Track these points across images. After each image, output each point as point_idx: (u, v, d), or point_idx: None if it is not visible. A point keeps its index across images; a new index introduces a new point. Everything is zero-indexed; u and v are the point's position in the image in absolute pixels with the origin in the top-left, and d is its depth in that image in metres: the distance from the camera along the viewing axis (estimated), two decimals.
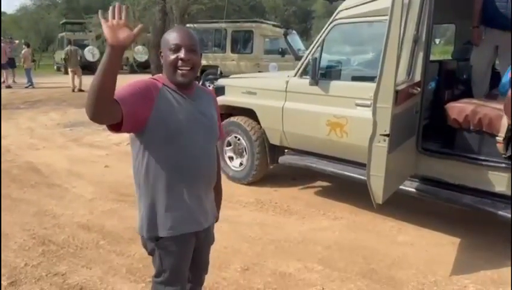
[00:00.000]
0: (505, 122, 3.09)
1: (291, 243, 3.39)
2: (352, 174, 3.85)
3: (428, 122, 3.75)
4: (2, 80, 14.70)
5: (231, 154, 4.87)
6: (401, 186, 3.44)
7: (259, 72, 9.74)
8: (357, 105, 3.67)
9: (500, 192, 3.14)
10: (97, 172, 5.22)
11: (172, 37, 1.60)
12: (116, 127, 1.48)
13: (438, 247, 3.34)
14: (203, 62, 12.27)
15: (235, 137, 4.75)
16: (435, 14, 3.26)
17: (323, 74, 3.96)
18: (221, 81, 5.25)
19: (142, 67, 17.66)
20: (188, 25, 12.74)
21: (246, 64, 11.78)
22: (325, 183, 4.85)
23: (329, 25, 3.94)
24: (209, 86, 9.60)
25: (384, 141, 2.78)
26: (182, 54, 1.58)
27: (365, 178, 2.98)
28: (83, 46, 20.24)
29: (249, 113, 4.62)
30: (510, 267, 3.00)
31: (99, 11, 1.36)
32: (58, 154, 6.07)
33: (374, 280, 2.88)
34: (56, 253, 3.18)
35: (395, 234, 3.59)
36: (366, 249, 3.29)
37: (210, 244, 1.93)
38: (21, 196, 4.37)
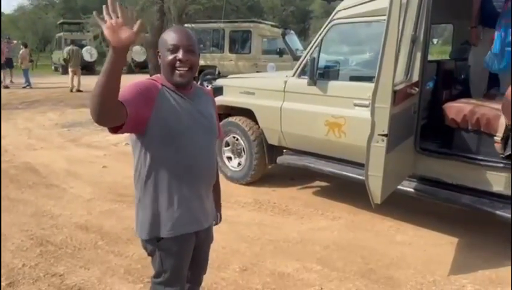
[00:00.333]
0: (503, 122, 3.10)
1: (289, 243, 3.39)
2: (350, 174, 3.85)
3: (427, 122, 3.76)
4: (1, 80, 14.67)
5: (229, 154, 4.87)
6: (399, 186, 3.44)
7: (257, 72, 9.75)
8: (355, 105, 3.67)
9: (498, 192, 3.15)
10: (95, 172, 5.21)
11: (170, 37, 1.59)
12: (116, 128, 1.47)
13: (436, 247, 3.34)
14: (201, 62, 12.27)
15: (234, 137, 4.75)
16: (433, 14, 3.26)
17: (321, 74, 3.96)
18: (219, 81, 5.25)
19: (140, 67, 17.66)
20: (186, 25, 12.74)
21: (244, 64, 11.78)
22: (323, 183, 4.85)
23: (327, 25, 3.94)
24: (207, 86, 9.60)
25: (383, 141, 2.78)
26: (180, 55, 1.58)
27: (363, 178, 2.98)
28: (80, 46, 20.24)
29: (247, 113, 4.62)
30: (508, 267, 3.01)
31: (95, 12, 1.35)
32: (56, 155, 6.05)
33: (372, 279, 2.88)
34: (54, 254, 3.17)
35: (393, 233, 3.59)
36: (365, 249, 3.29)
37: (209, 243, 1.93)
38: (19, 197, 4.36)
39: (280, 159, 4.51)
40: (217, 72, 11.28)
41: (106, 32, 1.27)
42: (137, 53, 19.67)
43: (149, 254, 1.76)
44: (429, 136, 3.65)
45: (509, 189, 3.09)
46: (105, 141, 6.78)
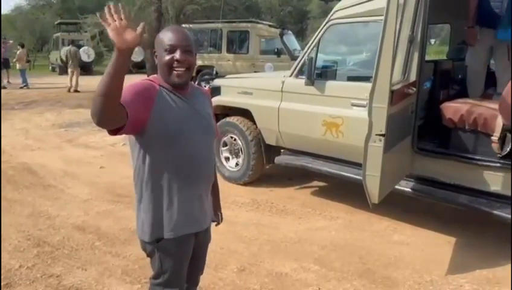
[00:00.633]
0: (500, 121, 3.10)
1: (287, 243, 3.39)
2: (348, 174, 3.85)
3: (424, 122, 3.76)
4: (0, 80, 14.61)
5: (227, 154, 4.86)
6: (396, 186, 3.44)
7: (255, 72, 9.73)
8: (353, 105, 3.67)
9: (495, 191, 3.15)
10: (92, 173, 5.19)
11: (167, 37, 1.58)
12: (115, 130, 1.46)
13: (433, 246, 3.34)
14: (199, 62, 12.37)
15: (231, 137, 4.75)
16: (430, 14, 3.27)
17: (319, 74, 3.96)
18: (217, 82, 5.24)
19: (138, 67, 17.60)
20: (183, 25, 12.73)
21: (241, 64, 11.77)
22: (321, 183, 4.85)
23: (325, 25, 3.94)
24: (205, 86, 9.58)
25: (380, 140, 2.78)
26: (177, 55, 1.57)
27: (361, 178, 2.98)
28: (78, 47, 20.19)
29: (245, 113, 4.61)
30: (506, 267, 3.01)
31: (98, 13, 1.34)
32: (53, 155, 6.04)
33: (370, 279, 2.88)
34: (51, 254, 3.16)
35: (391, 233, 3.59)
36: (362, 249, 3.29)
37: (207, 244, 1.93)
38: (16, 197, 4.34)
39: (278, 159, 4.51)
40: (214, 72, 11.26)
41: (111, 34, 1.27)
42: (135, 53, 19.54)
43: (148, 255, 1.75)
44: (426, 136, 3.66)
45: (506, 188, 3.09)
46: (102, 141, 6.77)
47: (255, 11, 32.93)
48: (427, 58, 4.09)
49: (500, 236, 3.33)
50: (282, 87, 4.24)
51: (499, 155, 3.14)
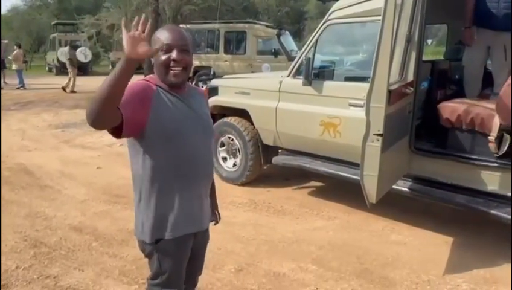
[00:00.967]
0: (497, 121, 3.11)
1: (285, 244, 3.39)
2: (345, 174, 3.85)
3: (421, 122, 3.77)
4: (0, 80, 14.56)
5: (225, 155, 4.86)
6: (394, 186, 3.44)
7: (252, 72, 9.74)
8: (350, 105, 3.67)
9: (492, 191, 3.16)
10: (89, 173, 5.18)
11: (163, 36, 1.57)
12: (117, 133, 1.47)
13: (431, 246, 3.35)
14: (196, 63, 12.35)
15: (229, 138, 4.74)
16: (428, 15, 3.27)
17: (316, 74, 3.96)
18: (214, 82, 5.24)
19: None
20: (180, 26, 12.71)
21: (239, 64, 11.77)
22: (318, 184, 4.85)
23: (322, 25, 3.94)
24: (202, 86, 9.58)
25: (378, 140, 2.78)
26: (174, 55, 1.56)
27: (358, 178, 2.98)
28: (75, 47, 20.14)
29: (243, 113, 4.61)
30: (503, 266, 3.02)
31: (123, 20, 1.36)
32: (50, 156, 6.02)
33: (367, 279, 2.88)
34: (48, 255, 3.15)
35: (388, 233, 3.59)
36: (360, 249, 3.29)
37: (206, 244, 1.92)
38: (12, 198, 4.32)
39: (275, 160, 4.51)
40: (212, 73, 11.27)
41: (125, 41, 1.30)
42: None
43: (146, 255, 1.74)
44: (424, 136, 3.67)
45: (503, 188, 3.10)
46: (99, 142, 6.75)
47: (252, 12, 32.91)
48: (425, 58, 4.10)
49: (497, 236, 3.33)
50: (279, 88, 4.24)
51: (496, 155, 3.15)
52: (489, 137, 3.16)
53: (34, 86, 15.29)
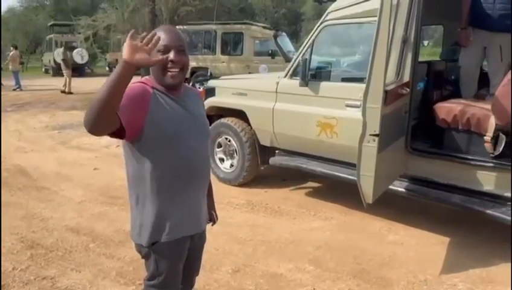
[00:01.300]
0: (492, 122, 3.13)
1: (282, 244, 3.39)
2: (342, 175, 3.86)
3: (417, 123, 3.78)
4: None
5: (222, 155, 4.86)
6: (390, 186, 3.45)
7: (249, 73, 9.75)
8: (347, 106, 3.68)
9: (488, 191, 3.18)
10: (86, 175, 5.17)
11: (160, 38, 1.57)
12: (119, 136, 1.47)
13: (427, 246, 3.36)
14: (193, 64, 12.36)
15: (226, 138, 4.75)
16: (424, 16, 3.29)
17: (313, 75, 3.97)
18: (211, 83, 5.24)
19: None
20: (177, 27, 12.72)
21: (236, 65, 11.78)
22: (315, 184, 4.86)
23: (319, 26, 3.96)
24: (199, 87, 9.58)
25: (374, 141, 2.79)
26: (171, 55, 1.55)
27: (355, 178, 2.99)
28: (71, 49, 20.09)
29: (240, 114, 4.61)
30: (499, 266, 3.04)
31: (132, 31, 1.36)
32: (46, 157, 6.01)
33: (364, 279, 2.89)
34: (45, 256, 3.14)
35: (385, 233, 3.60)
36: (357, 249, 3.30)
37: (203, 245, 1.92)
38: (9, 199, 4.31)
39: (272, 160, 4.51)
40: (209, 74, 11.28)
41: (126, 46, 1.31)
42: None
43: (143, 257, 1.74)
44: (420, 136, 3.68)
45: (499, 188, 3.12)
46: (96, 143, 6.74)
47: (249, 13, 32.95)
48: (421, 59, 4.12)
49: (493, 235, 3.35)
50: (276, 88, 4.25)
51: (492, 155, 3.17)
52: (485, 137, 3.18)
53: (30, 87, 15.26)
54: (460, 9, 3.98)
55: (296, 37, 31.04)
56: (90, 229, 3.62)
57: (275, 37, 10.99)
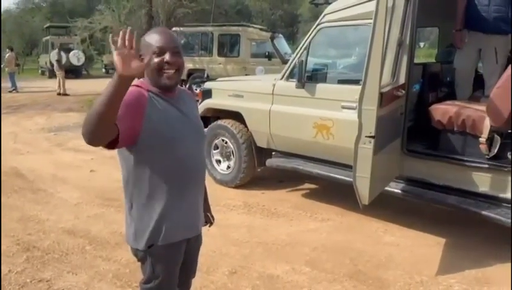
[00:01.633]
0: (487, 123, 3.15)
1: (278, 246, 3.40)
2: (338, 176, 3.87)
3: (413, 124, 3.80)
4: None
5: (218, 157, 4.86)
6: (386, 188, 3.47)
7: (246, 75, 9.76)
8: (343, 107, 3.70)
9: (483, 192, 3.19)
10: (82, 177, 5.16)
11: (154, 40, 1.56)
12: (111, 145, 1.44)
13: (423, 247, 3.37)
14: (190, 65, 12.36)
15: (222, 140, 4.75)
16: (419, 18, 3.31)
17: (309, 77, 3.99)
18: (208, 85, 5.25)
19: None
20: (174, 29, 12.73)
21: (232, 67, 11.79)
22: (312, 185, 4.87)
23: (315, 28, 3.97)
24: (196, 89, 9.59)
25: (370, 142, 2.81)
26: (167, 57, 1.55)
27: (351, 179, 3.00)
28: (67, 50, 20.08)
29: (236, 116, 4.62)
30: (494, 267, 3.05)
31: (110, 35, 1.33)
32: (42, 159, 5.99)
33: (361, 280, 2.90)
34: (41, 259, 3.14)
35: (381, 235, 3.62)
36: (353, 250, 3.31)
37: (199, 247, 1.92)
38: (5, 202, 4.29)
39: (269, 162, 4.52)
40: (205, 75, 11.28)
41: (116, 58, 1.27)
42: None
43: (139, 260, 1.73)
44: (416, 138, 3.69)
45: (494, 189, 3.14)
46: None
47: (245, 15, 33.00)
48: (416, 61, 4.14)
49: (488, 236, 3.37)
50: (273, 90, 4.26)
51: (487, 156, 3.19)
52: (480, 139, 3.20)
53: (26, 89, 15.21)
54: (455, 11, 4.01)
55: (292, 39, 31.08)
56: (86, 231, 3.61)
57: (272, 38, 11.01)
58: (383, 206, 3.77)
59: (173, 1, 12.75)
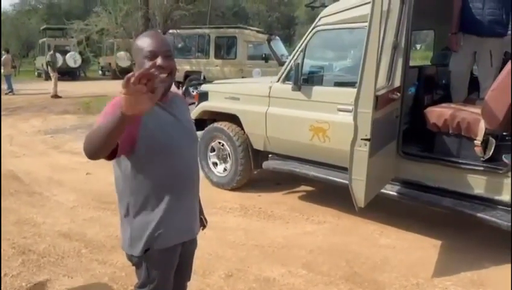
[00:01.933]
0: (482, 126, 3.17)
1: (275, 248, 3.40)
2: (334, 179, 3.87)
3: (408, 127, 3.81)
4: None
5: (215, 160, 4.86)
6: (382, 190, 3.48)
7: (242, 77, 9.78)
8: (339, 110, 3.71)
9: (478, 194, 3.21)
10: (78, 179, 5.15)
11: (146, 44, 1.56)
12: (110, 156, 1.42)
13: (419, 250, 3.38)
14: (187, 68, 12.36)
15: (219, 143, 4.75)
16: (414, 21, 3.33)
17: (305, 80, 4.00)
18: (204, 87, 5.25)
19: (125, 73, 17.50)
20: (171, 31, 12.74)
21: (229, 69, 11.81)
22: (308, 188, 4.87)
23: (311, 31, 3.98)
24: (193, 91, 9.58)
25: (365, 145, 2.82)
26: (159, 61, 1.54)
27: (347, 182, 3.01)
28: (64, 52, 20.04)
29: (233, 118, 4.62)
30: (490, 269, 3.06)
31: (126, 77, 1.14)
32: (38, 162, 5.97)
33: (357, 283, 2.90)
34: (36, 262, 3.13)
35: (377, 237, 3.62)
36: (349, 253, 3.32)
37: (194, 250, 1.92)
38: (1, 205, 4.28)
39: (265, 164, 4.52)
40: (202, 78, 11.29)
41: (125, 98, 1.15)
42: (122, 59, 19.57)
43: (134, 265, 1.73)
44: (411, 140, 3.71)
45: (489, 191, 3.15)
46: None
47: (242, 17, 33.02)
48: (413, 63, 4.16)
49: (484, 238, 3.38)
50: (269, 93, 4.26)
51: (482, 159, 3.21)
52: (475, 141, 3.22)
53: (23, 91, 15.15)
54: (450, 14, 4.03)
55: (289, 41, 31.15)
56: (82, 234, 3.60)
57: (268, 41, 11.02)
58: (379, 209, 3.78)
59: (170, 3, 12.75)
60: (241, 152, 4.54)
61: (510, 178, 3.01)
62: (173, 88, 1.69)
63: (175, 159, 1.62)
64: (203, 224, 1.98)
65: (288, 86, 4.04)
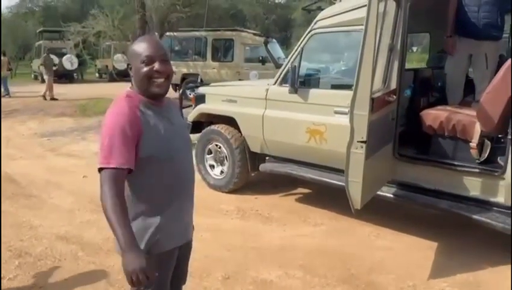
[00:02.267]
0: (478, 128, 3.19)
1: (272, 251, 3.40)
2: (331, 181, 3.88)
3: (404, 129, 3.83)
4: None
5: (212, 162, 4.86)
6: (378, 192, 3.49)
7: (239, 80, 9.79)
8: (336, 112, 3.72)
9: (474, 196, 3.23)
10: (76, 182, 5.13)
11: (142, 48, 1.56)
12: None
13: (415, 251, 3.39)
14: (184, 70, 12.36)
15: (216, 145, 4.76)
16: (410, 24, 3.35)
17: (302, 82, 4.01)
18: (201, 89, 5.25)
19: (122, 75, 17.52)
20: (168, 34, 12.75)
21: (226, 72, 11.82)
22: (305, 190, 4.88)
23: (307, 34, 4.00)
24: (190, 94, 9.58)
25: (362, 147, 2.83)
26: (156, 66, 1.55)
27: (344, 184, 3.02)
28: (61, 55, 19.98)
29: (230, 121, 4.63)
30: (486, 270, 3.08)
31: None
32: (35, 164, 5.96)
33: (353, 285, 2.91)
34: (33, 265, 3.12)
35: (373, 239, 3.63)
36: (346, 255, 3.33)
37: (190, 253, 1.93)
38: None
39: (262, 167, 4.53)
40: (199, 80, 11.29)
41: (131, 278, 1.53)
42: (119, 61, 19.54)
43: None
44: (407, 143, 3.73)
45: (485, 194, 3.17)
46: (85, 150, 6.70)
47: (239, 20, 33.10)
48: (409, 66, 4.18)
49: (479, 240, 3.40)
50: (266, 95, 4.28)
51: (477, 161, 3.23)
52: (470, 143, 3.24)
53: (19, 94, 15.08)
54: (446, 17, 4.05)
55: (286, 44, 31.22)
56: (79, 237, 3.60)
57: (265, 43, 11.04)
58: (376, 211, 3.79)
59: (167, 6, 12.76)
60: (238, 154, 4.55)
61: (506, 180, 3.03)
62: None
63: (175, 166, 1.63)
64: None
65: (285, 88, 4.06)
